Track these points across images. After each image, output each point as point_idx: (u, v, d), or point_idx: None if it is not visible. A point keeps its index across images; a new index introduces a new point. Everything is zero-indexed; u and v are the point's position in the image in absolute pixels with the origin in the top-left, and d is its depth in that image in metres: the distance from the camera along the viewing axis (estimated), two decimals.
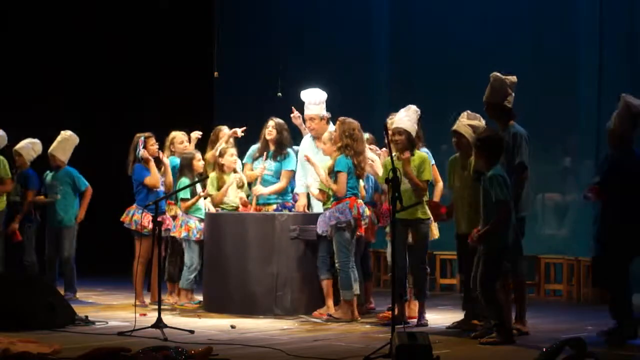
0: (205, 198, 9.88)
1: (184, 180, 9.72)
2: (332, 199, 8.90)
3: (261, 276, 9.15)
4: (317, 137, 9.55)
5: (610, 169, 7.85)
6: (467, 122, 8.29)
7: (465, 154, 8.28)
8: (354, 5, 13.38)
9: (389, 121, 8.77)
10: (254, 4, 14.32)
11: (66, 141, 10.83)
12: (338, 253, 8.81)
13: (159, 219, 8.55)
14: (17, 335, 7.37)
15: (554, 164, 11.29)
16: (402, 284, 8.55)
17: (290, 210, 9.64)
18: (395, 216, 7.18)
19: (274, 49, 13.20)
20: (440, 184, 9.23)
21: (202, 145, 10.36)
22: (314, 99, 9.62)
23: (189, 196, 9.77)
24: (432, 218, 8.74)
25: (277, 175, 9.79)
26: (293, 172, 9.80)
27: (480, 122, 8.32)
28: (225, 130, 10.16)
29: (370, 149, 9.24)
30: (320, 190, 9.10)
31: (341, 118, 9.01)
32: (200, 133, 10.45)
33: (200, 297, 9.80)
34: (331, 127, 9.44)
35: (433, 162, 9.01)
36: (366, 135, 9.31)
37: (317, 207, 9.55)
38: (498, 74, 8.22)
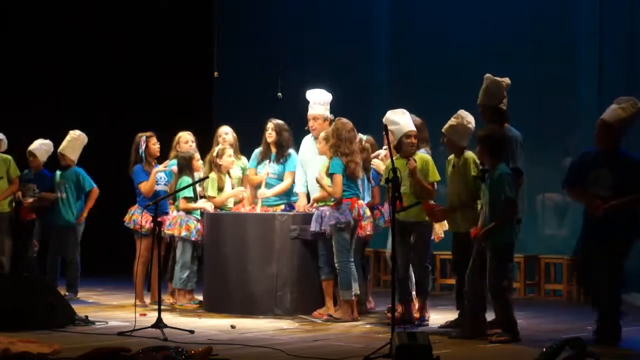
0: (202, 197, 9.88)
1: (185, 179, 9.72)
2: (332, 199, 8.91)
3: (261, 276, 9.15)
4: (317, 138, 9.56)
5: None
6: (450, 122, 8.26)
7: (459, 153, 8.25)
8: (354, 5, 13.38)
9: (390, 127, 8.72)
10: (254, 4, 14.32)
11: (75, 140, 10.86)
12: (337, 253, 8.81)
13: (160, 219, 8.54)
14: (17, 335, 7.36)
15: (554, 164, 11.26)
16: (406, 287, 8.56)
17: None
18: (395, 216, 7.18)
19: (274, 49, 13.20)
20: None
21: (202, 145, 10.35)
22: (320, 99, 9.61)
23: (192, 194, 9.79)
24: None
25: (281, 178, 9.80)
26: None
27: (462, 121, 8.23)
28: (225, 130, 10.15)
29: (377, 157, 9.24)
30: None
31: (337, 118, 9.04)
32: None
33: (200, 297, 9.81)
34: None
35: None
36: (365, 137, 9.32)
37: None
38: (492, 76, 8.17)
